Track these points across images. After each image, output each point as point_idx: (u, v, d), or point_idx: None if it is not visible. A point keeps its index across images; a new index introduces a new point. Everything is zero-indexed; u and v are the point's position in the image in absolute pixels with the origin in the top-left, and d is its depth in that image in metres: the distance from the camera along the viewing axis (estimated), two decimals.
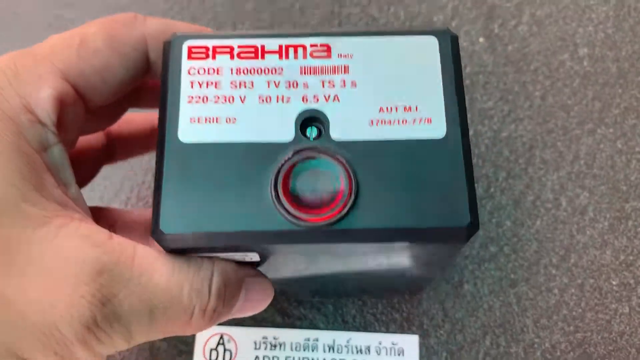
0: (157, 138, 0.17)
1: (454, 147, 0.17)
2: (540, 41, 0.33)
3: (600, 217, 0.30)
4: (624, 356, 0.28)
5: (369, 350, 0.27)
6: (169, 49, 0.18)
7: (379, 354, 0.27)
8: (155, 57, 0.20)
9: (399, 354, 0.27)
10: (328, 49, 0.18)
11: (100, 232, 0.17)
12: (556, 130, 0.32)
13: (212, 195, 0.17)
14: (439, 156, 0.17)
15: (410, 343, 0.28)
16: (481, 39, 0.33)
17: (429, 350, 0.28)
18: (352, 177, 0.17)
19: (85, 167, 0.25)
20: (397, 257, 0.20)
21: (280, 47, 0.18)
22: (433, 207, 0.17)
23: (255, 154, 0.17)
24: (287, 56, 0.18)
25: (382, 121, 0.17)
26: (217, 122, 0.17)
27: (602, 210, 0.30)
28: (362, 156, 0.17)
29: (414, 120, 0.17)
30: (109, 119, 0.24)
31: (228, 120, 0.17)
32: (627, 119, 0.32)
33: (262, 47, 0.18)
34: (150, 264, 0.17)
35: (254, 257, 0.18)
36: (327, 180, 0.17)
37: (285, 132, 0.17)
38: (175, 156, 0.17)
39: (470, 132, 0.32)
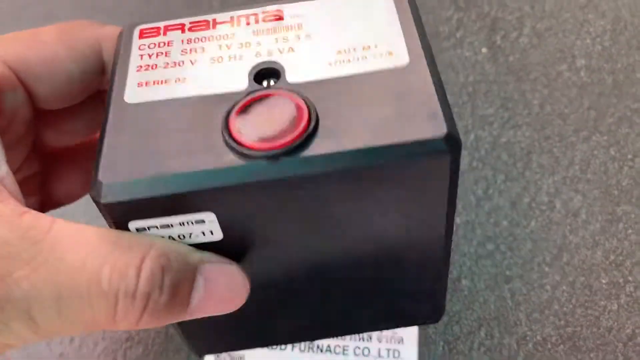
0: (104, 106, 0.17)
1: (419, 70, 0.16)
2: (540, 52, 0.35)
3: (592, 219, 0.32)
4: (611, 350, 0.30)
5: (370, 338, 0.29)
6: (121, 36, 0.18)
7: (380, 342, 0.29)
8: (109, 58, 0.19)
9: (398, 342, 0.29)
10: (279, 13, 0.18)
11: (15, 209, 0.16)
12: (553, 136, 0.33)
13: (159, 143, 0.15)
14: (405, 80, 0.16)
15: (409, 332, 0.30)
16: (484, 50, 0.35)
17: (427, 340, 0.30)
18: (310, 106, 0.15)
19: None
20: (377, 215, 0.17)
21: (232, 17, 0.18)
22: (403, 125, 0.15)
23: (207, 104, 0.16)
24: (239, 24, 0.18)
25: (340, 61, 0.16)
26: (165, 83, 0.17)
27: (594, 212, 0.32)
28: (321, 90, 0.16)
29: (374, 55, 0.16)
30: (75, 129, 0.23)
31: (177, 80, 0.17)
32: (621, 127, 0.34)
33: (214, 20, 0.18)
34: (68, 241, 0.15)
35: (214, 228, 0.16)
36: (283, 112, 0.15)
37: (238, 83, 0.16)
38: (119, 114, 0.16)
39: (471, 137, 0.34)
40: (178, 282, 0.16)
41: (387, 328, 0.22)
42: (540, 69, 0.35)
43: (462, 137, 0.34)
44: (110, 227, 0.16)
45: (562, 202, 0.32)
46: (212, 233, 0.16)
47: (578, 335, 0.30)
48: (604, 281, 0.31)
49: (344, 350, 0.29)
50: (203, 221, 0.16)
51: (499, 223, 0.32)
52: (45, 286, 0.14)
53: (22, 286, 0.14)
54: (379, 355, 0.29)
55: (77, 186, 0.24)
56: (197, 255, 0.16)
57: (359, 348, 0.29)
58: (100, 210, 0.15)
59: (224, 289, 0.17)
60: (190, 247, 0.16)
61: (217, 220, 0.16)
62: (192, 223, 0.16)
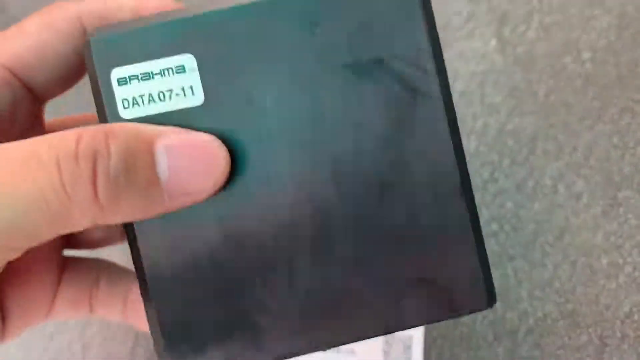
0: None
1: None
2: (547, 45, 0.37)
3: (593, 203, 0.33)
4: (609, 326, 0.31)
5: None
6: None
7: None
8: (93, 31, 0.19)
9: None
10: None
11: None
12: (557, 124, 0.35)
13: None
14: None
15: None
16: (493, 41, 0.37)
17: None
18: None
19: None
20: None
21: None
22: None
23: None
24: None
25: None
26: None
27: (596, 197, 0.33)
28: None
29: None
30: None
31: None
32: (623, 117, 0.35)
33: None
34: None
35: (194, 83, 0.16)
36: None
37: None
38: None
39: (479, 123, 0.35)
40: (128, 150, 0.15)
41: (423, 320, 0.16)
42: (547, 61, 0.36)
43: (470, 123, 0.35)
44: (94, 80, 0.16)
45: (565, 186, 0.34)
46: (192, 92, 0.16)
47: (578, 312, 0.31)
48: (604, 261, 0.32)
49: None
50: (183, 69, 0.15)
51: (504, 204, 0.33)
52: None
53: None
54: None
55: None
56: (152, 128, 0.15)
57: None
58: (87, 61, 0.16)
59: (195, 162, 0.15)
60: (147, 125, 0.15)
61: (197, 70, 0.16)
62: (172, 72, 0.15)
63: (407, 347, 0.31)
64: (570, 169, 0.34)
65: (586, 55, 0.37)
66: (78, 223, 0.15)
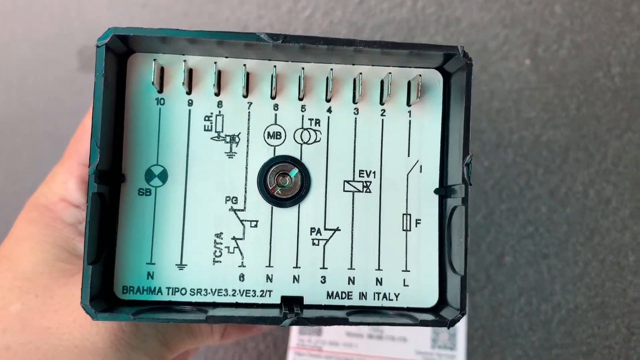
0: None
1: None
2: (578, 62, 0.40)
3: (622, 206, 0.37)
4: (636, 317, 0.35)
5: None
6: None
7: None
8: None
9: None
10: None
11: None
12: (588, 135, 0.39)
13: None
14: None
15: None
16: (527, 61, 0.41)
17: (474, 304, 0.36)
18: None
19: None
20: None
21: None
22: None
23: None
24: None
25: None
26: None
27: (624, 200, 0.37)
28: None
29: None
30: None
31: None
32: None
33: None
34: None
35: None
36: None
37: None
38: None
39: (515, 137, 0.39)
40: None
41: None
42: (578, 77, 0.40)
43: (507, 136, 0.39)
44: None
45: (595, 191, 0.37)
46: None
47: (606, 304, 0.35)
48: (631, 259, 0.36)
49: None
50: None
51: (539, 209, 0.37)
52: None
53: None
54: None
55: None
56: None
57: None
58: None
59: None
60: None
61: None
62: None
63: (452, 335, 0.36)
64: (600, 176, 0.38)
65: (616, 69, 0.40)
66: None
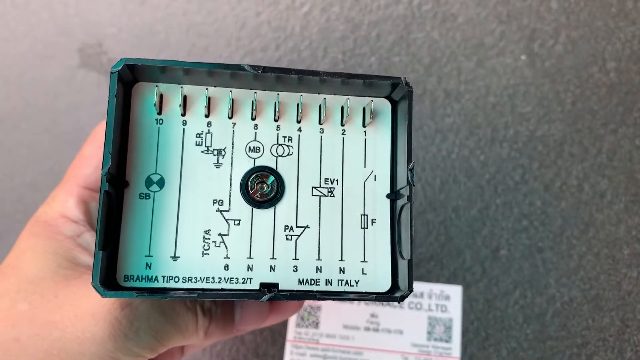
0: None
1: None
2: (574, 57, 0.41)
3: (616, 200, 0.37)
4: (630, 310, 0.35)
5: (422, 295, 0.36)
6: None
7: (430, 298, 0.36)
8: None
9: (446, 299, 0.36)
10: None
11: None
12: (583, 129, 0.39)
13: None
14: None
15: (455, 291, 0.36)
16: (523, 57, 0.41)
17: (470, 297, 0.36)
18: None
19: None
20: None
21: None
22: None
23: None
24: None
25: None
26: None
27: (619, 194, 0.37)
28: None
29: None
30: None
31: None
32: None
33: None
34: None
35: None
36: None
37: None
38: None
39: (511, 132, 0.40)
40: (224, 305, 0.26)
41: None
42: (573, 72, 0.40)
43: (502, 131, 0.40)
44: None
45: (590, 185, 0.38)
46: None
47: (601, 297, 0.36)
48: (625, 252, 0.36)
49: (400, 304, 0.36)
50: None
51: (534, 203, 0.38)
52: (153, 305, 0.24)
53: (141, 308, 0.23)
54: (430, 309, 0.36)
55: None
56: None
57: (413, 303, 0.36)
58: None
59: (253, 308, 0.26)
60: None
61: None
62: None
63: (448, 328, 0.36)
64: (594, 170, 0.38)
65: (611, 65, 0.40)
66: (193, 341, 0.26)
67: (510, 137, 0.39)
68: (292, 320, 0.37)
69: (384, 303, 0.36)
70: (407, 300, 0.36)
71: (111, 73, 0.20)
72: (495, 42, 0.42)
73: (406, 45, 0.43)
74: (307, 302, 0.37)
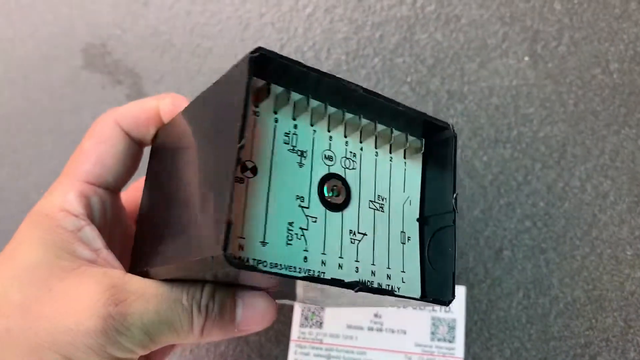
0: None
1: None
2: (577, 59, 0.41)
3: (619, 201, 0.37)
4: (633, 310, 0.35)
5: None
6: None
7: None
8: (130, 127, 0.27)
9: None
10: None
11: (117, 272, 0.24)
12: (586, 131, 0.39)
13: None
14: None
15: (458, 292, 0.36)
16: (526, 58, 0.41)
17: (473, 298, 0.36)
18: None
19: None
20: None
21: None
22: None
23: None
24: None
25: None
26: None
27: (621, 195, 0.37)
28: None
29: None
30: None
31: None
32: None
33: None
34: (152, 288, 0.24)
35: None
36: None
37: None
38: None
39: (514, 133, 0.40)
40: (224, 299, 0.24)
41: None
42: (576, 73, 0.40)
43: (505, 132, 0.40)
44: None
45: (592, 186, 0.38)
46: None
47: (604, 298, 0.36)
48: (628, 253, 0.36)
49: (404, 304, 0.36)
50: None
51: (537, 204, 0.38)
52: (148, 306, 0.23)
53: (133, 306, 0.23)
54: (433, 309, 0.36)
55: None
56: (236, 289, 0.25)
57: None
58: None
59: (257, 308, 0.25)
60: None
61: None
62: None
63: (451, 328, 0.36)
64: (597, 171, 0.38)
65: (614, 66, 0.40)
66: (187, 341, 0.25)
67: (513, 138, 0.40)
68: (296, 320, 0.37)
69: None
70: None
71: (250, 59, 0.21)
72: (499, 44, 0.42)
73: (409, 46, 0.43)
74: (306, 303, 0.37)
